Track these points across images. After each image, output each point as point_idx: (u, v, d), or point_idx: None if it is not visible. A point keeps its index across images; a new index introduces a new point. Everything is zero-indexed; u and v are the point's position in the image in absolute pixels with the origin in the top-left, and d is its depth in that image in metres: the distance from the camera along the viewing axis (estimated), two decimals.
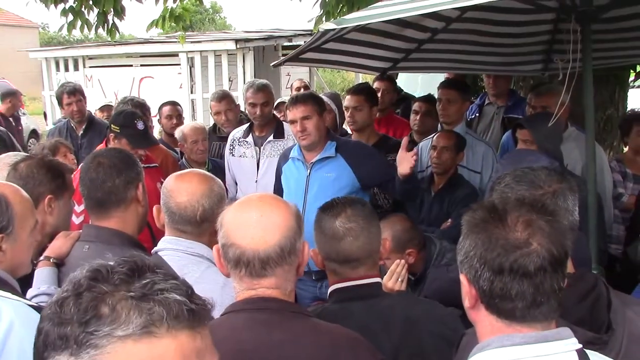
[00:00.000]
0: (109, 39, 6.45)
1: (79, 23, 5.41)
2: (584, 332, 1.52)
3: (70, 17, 5.39)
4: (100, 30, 5.56)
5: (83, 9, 5.34)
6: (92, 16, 5.44)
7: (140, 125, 3.78)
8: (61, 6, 5.39)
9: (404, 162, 3.40)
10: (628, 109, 5.69)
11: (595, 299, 1.67)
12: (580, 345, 1.32)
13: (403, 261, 2.56)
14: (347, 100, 4.21)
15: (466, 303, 1.39)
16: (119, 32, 5.67)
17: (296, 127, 3.47)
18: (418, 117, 4.50)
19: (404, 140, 3.50)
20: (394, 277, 2.49)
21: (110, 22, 5.46)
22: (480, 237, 1.33)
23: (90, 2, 5.20)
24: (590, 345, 1.49)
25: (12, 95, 8.42)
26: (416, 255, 2.82)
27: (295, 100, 3.51)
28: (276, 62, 4.03)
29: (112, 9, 5.27)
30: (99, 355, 0.84)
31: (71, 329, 0.85)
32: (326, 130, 3.62)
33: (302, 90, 6.33)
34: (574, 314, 1.59)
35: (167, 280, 0.93)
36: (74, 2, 5.33)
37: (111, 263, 0.93)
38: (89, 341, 0.85)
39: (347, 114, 4.21)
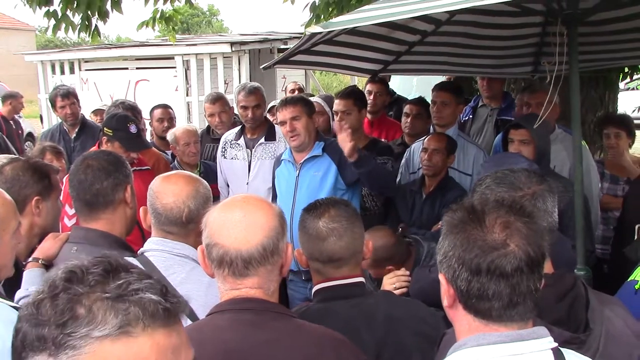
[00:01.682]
0: (103, 41, 6.44)
1: (62, 25, 5.40)
2: (560, 332, 1.54)
3: (54, 20, 5.40)
4: (83, 33, 5.56)
5: (68, 12, 5.34)
6: (77, 18, 5.44)
7: (133, 129, 3.80)
8: (46, 9, 5.39)
9: (343, 144, 3.34)
10: (618, 111, 5.72)
11: (574, 299, 1.69)
12: (556, 344, 1.34)
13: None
14: (336, 105, 4.24)
15: (444, 302, 1.40)
16: (99, 36, 5.67)
17: (286, 127, 3.56)
18: (409, 120, 4.53)
19: (335, 124, 3.44)
20: (397, 284, 2.59)
21: (94, 25, 5.45)
22: (458, 238, 1.35)
23: (75, 5, 5.20)
24: (568, 344, 1.51)
25: (13, 98, 8.49)
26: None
27: (285, 102, 3.62)
28: (266, 64, 4.05)
29: (96, 13, 5.27)
30: (77, 355, 0.86)
31: (49, 330, 0.87)
32: (316, 131, 3.69)
33: (296, 92, 6.37)
34: (552, 314, 1.61)
35: (142, 280, 0.94)
36: (59, 5, 5.34)
37: (86, 263, 0.95)
38: (67, 342, 0.86)
39: (336, 118, 4.24)
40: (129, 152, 3.74)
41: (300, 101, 3.64)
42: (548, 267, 1.74)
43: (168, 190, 2.11)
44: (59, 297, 0.89)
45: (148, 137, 5.42)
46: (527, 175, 1.81)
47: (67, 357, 0.86)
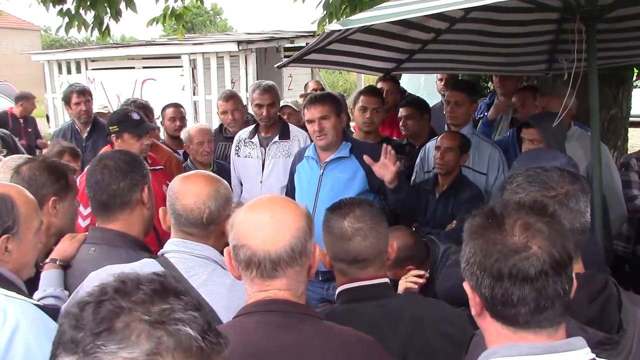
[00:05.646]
0: (108, 40, 6.46)
1: (75, 23, 5.41)
2: (595, 333, 1.51)
3: (67, 18, 5.40)
4: (90, 32, 5.57)
5: (81, 10, 5.35)
6: (90, 17, 5.45)
7: (135, 116, 3.82)
8: (59, 8, 5.40)
9: (384, 171, 3.30)
10: (632, 109, 5.67)
11: (606, 299, 1.66)
12: (593, 356, 1.29)
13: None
14: (365, 102, 4.21)
15: (472, 311, 1.37)
16: (110, 35, 5.68)
17: (314, 126, 3.46)
18: (402, 122, 4.51)
19: (384, 147, 3.36)
20: (410, 283, 2.63)
21: (105, 23, 5.46)
22: (478, 244, 1.31)
23: (88, 4, 5.20)
24: (602, 345, 1.48)
25: (24, 99, 8.69)
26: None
27: (314, 100, 3.51)
28: (280, 63, 4.03)
29: (108, 12, 5.28)
30: None
31: (83, 335, 0.87)
32: (342, 130, 3.62)
33: (317, 91, 6.33)
34: (585, 314, 1.58)
35: (187, 311, 0.93)
36: (72, 3, 5.35)
37: (141, 277, 0.94)
38: (95, 353, 0.86)
39: (365, 115, 4.20)
40: (142, 139, 3.72)
41: (329, 99, 3.54)
42: (579, 267, 1.71)
43: (188, 191, 2.06)
44: (103, 304, 0.89)
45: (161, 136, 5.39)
46: (559, 174, 1.75)
47: None
